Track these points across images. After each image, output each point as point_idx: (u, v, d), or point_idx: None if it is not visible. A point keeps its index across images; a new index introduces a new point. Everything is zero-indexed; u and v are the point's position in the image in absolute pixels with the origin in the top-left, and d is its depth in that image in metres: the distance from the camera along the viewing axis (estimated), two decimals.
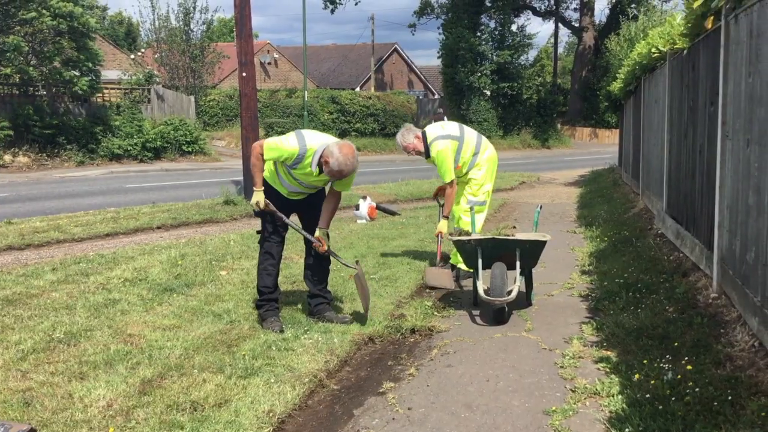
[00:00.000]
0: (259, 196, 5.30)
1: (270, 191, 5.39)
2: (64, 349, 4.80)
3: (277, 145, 5.17)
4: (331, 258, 5.65)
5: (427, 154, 6.91)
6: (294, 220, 5.58)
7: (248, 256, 8.00)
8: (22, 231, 9.77)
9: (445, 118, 31.63)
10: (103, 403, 3.91)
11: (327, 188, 5.63)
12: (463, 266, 6.79)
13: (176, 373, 4.35)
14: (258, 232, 5.61)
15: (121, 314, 5.65)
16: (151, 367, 4.44)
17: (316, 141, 5.19)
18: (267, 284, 5.48)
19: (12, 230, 9.82)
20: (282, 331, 5.19)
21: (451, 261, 7.19)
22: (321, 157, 5.11)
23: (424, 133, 6.95)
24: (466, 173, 7.01)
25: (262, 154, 5.23)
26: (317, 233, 5.45)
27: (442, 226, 6.94)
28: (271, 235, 5.46)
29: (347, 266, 5.70)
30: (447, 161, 6.78)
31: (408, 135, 6.97)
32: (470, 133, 7.08)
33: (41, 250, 8.92)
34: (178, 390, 4.08)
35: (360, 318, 5.56)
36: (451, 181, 6.83)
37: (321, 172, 5.18)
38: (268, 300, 5.48)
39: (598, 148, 37.94)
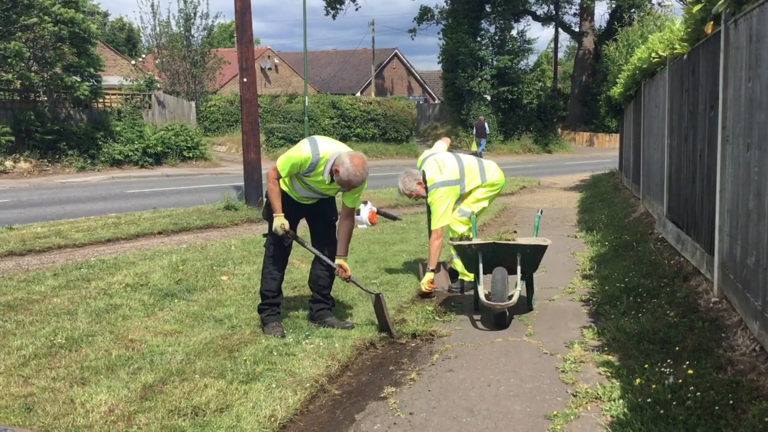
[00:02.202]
0: (280, 221, 5.25)
1: (282, 194, 5.36)
2: (65, 354, 4.81)
3: (290, 157, 5.15)
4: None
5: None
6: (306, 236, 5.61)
7: (249, 261, 8.01)
8: (24, 236, 9.77)
9: (486, 125, 32.11)
10: (105, 408, 3.91)
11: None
12: (466, 278, 6.75)
13: (178, 378, 4.35)
14: (265, 236, 5.62)
15: (122, 319, 5.66)
16: (153, 372, 4.44)
17: (330, 148, 5.18)
18: (270, 288, 5.48)
19: (13, 236, 9.83)
20: (283, 336, 5.19)
21: (455, 269, 7.06)
22: (332, 165, 5.11)
23: (424, 175, 6.71)
24: (476, 188, 6.82)
25: (278, 178, 5.23)
26: (339, 261, 5.44)
27: (427, 277, 6.58)
28: (278, 241, 5.43)
29: (369, 293, 5.65)
30: (440, 209, 6.53)
31: (410, 182, 6.71)
32: (470, 167, 6.78)
33: (42, 255, 8.93)
34: (180, 395, 4.08)
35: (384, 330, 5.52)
36: (437, 230, 6.56)
37: (332, 180, 5.17)
38: (270, 305, 5.48)
39: (598, 152, 37.96)
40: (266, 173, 5.36)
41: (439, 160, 6.76)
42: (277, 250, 5.47)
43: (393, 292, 6.56)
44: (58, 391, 4.15)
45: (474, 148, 32.54)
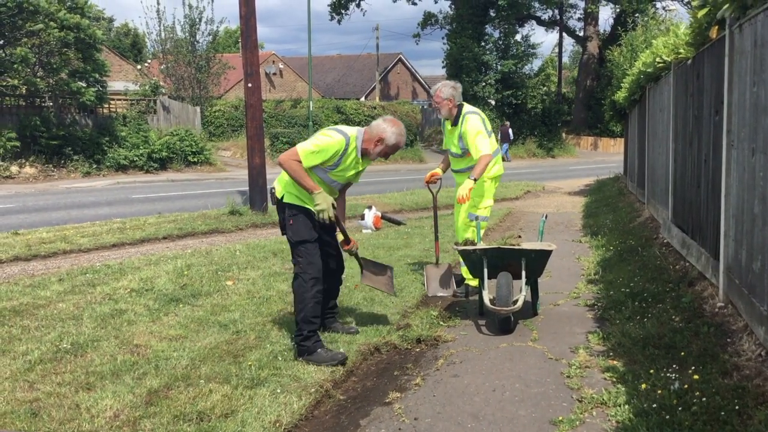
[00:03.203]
0: (327, 198, 4.87)
1: (299, 209, 5.02)
2: (71, 359, 4.82)
3: (320, 146, 4.85)
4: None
5: (455, 121, 6.68)
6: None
7: (254, 267, 8.02)
8: (29, 242, 9.80)
9: (510, 131, 33.15)
10: (110, 413, 3.92)
11: None
12: (471, 283, 6.74)
13: (183, 383, 4.36)
14: (298, 258, 5.06)
15: (127, 324, 5.67)
16: (158, 377, 4.45)
17: (351, 129, 5.09)
18: (317, 314, 5.04)
19: (19, 241, 9.86)
20: (344, 361, 4.86)
21: (464, 277, 7.03)
22: (363, 141, 5.02)
23: (461, 105, 6.69)
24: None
25: (299, 161, 4.85)
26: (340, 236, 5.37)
27: (468, 184, 6.36)
28: (314, 260, 5.00)
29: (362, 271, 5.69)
30: (478, 136, 6.49)
31: (450, 90, 6.62)
32: (493, 141, 6.86)
33: (48, 260, 8.95)
34: (185, 400, 4.09)
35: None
36: (488, 154, 6.47)
37: (362, 157, 5.09)
38: (315, 331, 5.00)
39: (603, 157, 37.92)
40: (283, 159, 4.85)
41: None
42: (318, 270, 5.00)
43: (398, 297, 6.56)
44: (63, 396, 4.16)
45: None
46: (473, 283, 6.68)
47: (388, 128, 5.01)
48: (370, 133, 5.05)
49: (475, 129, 6.53)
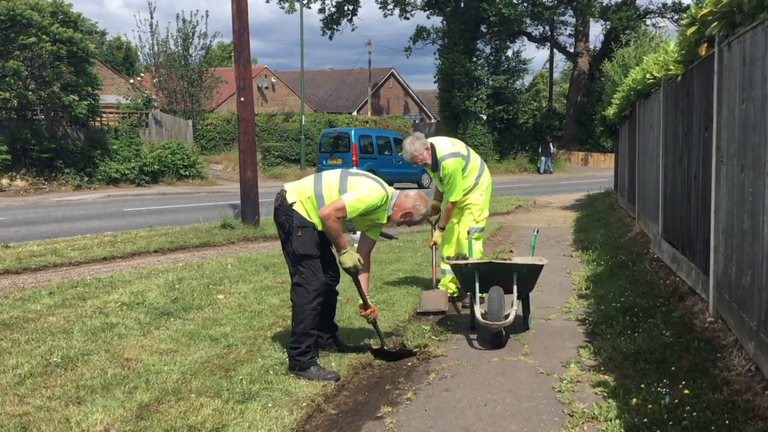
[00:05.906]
0: (356, 255, 4.98)
1: (308, 223, 4.97)
2: (61, 373, 4.79)
3: (364, 199, 4.90)
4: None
5: (434, 167, 6.84)
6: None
7: (246, 280, 8.00)
8: (19, 255, 9.75)
9: (551, 145, 34.67)
10: (100, 427, 3.89)
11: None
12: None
13: (173, 397, 4.34)
14: (300, 265, 5.02)
15: (118, 338, 5.64)
16: (149, 391, 4.43)
17: (388, 187, 5.11)
18: (315, 325, 5.00)
19: (9, 254, 9.81)
20: (338, 379, 4.86)
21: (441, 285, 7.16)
22: (394, 205, 5.10)
23: (433, 147, 6.80)
24: (466, 195, 6.96)
25: (341, 217, 4.84)
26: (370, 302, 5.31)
27: (437, 236, 7.07)
28: (318, 274, 4.99)
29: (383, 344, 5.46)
30: (458, 180, 6.81)
31: (417, 144, 6.72)
32: (474, 155, 7.07)
33: (38, 274, 8.90)
34: (176, 415, 4.06)
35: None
36: (454, 202, 6.90)
37: (388, 220, 5.16)
38: (312, 346, 4.96)
39: (593, 172, 38.06)
40: (327, 214, 4.79)
41: (450, 139, 7.13)
42: (323, 284, 5.01)
43: (389, 311, 6.56)
44: (53, 410, 4.13)
45: (539, 164, 37.42)
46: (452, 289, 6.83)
47: (419, 207, 5.15)
48: (402, 203, 5.13)
49: (455, 175, 6.81)
